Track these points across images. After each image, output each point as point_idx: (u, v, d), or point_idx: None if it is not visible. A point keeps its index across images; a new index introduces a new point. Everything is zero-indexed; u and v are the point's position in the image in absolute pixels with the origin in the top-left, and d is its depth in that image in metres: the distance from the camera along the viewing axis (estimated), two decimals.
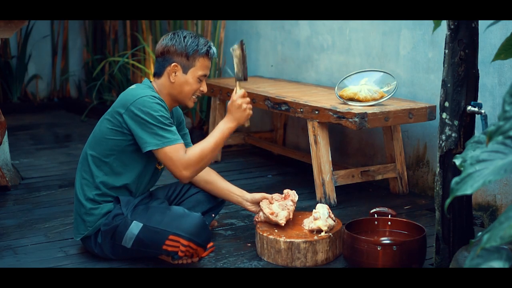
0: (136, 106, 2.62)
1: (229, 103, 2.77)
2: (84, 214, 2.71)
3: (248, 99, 2.77)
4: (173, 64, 2.73)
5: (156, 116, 2.61)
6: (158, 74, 2.78)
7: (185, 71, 2.74)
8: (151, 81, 2.80)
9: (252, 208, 2.94)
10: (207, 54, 2.76)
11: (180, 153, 2.62)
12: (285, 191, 2.93)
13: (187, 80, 2.74)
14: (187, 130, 2.99)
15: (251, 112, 2.77)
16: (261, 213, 2.86)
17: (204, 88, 2.80)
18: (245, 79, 2.79)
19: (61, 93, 6.88)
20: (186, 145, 2.92)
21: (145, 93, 2.66)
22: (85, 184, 2.72)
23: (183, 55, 2.72)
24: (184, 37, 2.74)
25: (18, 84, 6.51)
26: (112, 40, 6.52)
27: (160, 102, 2.65)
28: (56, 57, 6.76)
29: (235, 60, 2.79)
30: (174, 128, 2.66)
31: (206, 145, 2.68)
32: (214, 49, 2.80)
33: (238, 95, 2.75)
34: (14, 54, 6.54)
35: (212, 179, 2.98)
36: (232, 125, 2.74)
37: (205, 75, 2.78)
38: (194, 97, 2.80)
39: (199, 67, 2.75)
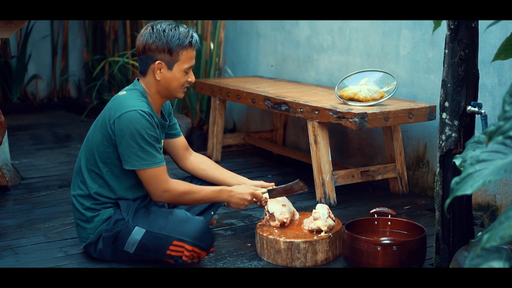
0: (123, 120, 2.56)
1: (245, 189, 2.78)
2: (85, 222, 2.68)
3: (252, 203, 2.80)
4: (156, 62, 2.63)
5: (142, 133, 2.56)
6: (143, 73, 2.69)
7: (170, 67, 2.65)
8: (138, 79, 2.74)
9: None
10: (191, 45, 2.65)
11: (160, 177, 2.61)
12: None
13: (174, 75, 2.66)
14: (176, 120, 2.95)
15: (243, 208, 2.81)
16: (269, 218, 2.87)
17: (191, 78, 2.71)
18: (270, 196, 2.85)
19: (61, 93, 6.88)
20: (177, 135, 2.93)
21: (135, 105, 2.58)
22: (80, 195, 2.69)
23: (166, 51, 2.62)
24: (164, 31, 2.61)
25: (18, 84, 6.51)
26: (112, 40, 6.52)
27: (149, 118, 2.58)
28: (56, 57, 6.76)
29: (286, 186, 2.85)
30: (157, 148, 2.62)
31: (195, 190, 2.69)
32: (196, 36, 2.69)
33: (255, 194, 2.79)
34: (14, 54, 6.54)
35: (208, 165, 2.97)
36: (225, 200, 2.77)
37: (191, 66, 2.69)
38: (183, 88, 2.73)
39: (184, 60, 2.65)
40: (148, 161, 2.59)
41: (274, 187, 2.89)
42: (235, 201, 2.77)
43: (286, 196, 2.91)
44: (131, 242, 2.60)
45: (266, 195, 2.85)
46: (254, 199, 2.80)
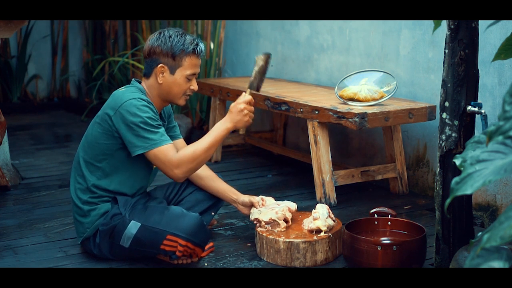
0: (124, 109, 2.60)
1: (232, 104, 2.72)
2: (82, 216, 2.71)
3: (252, 107, 2.72)
4: (159, 65, 2.68)
5: (144, 117, 2.58)
6: (146, 75, 2.75)
7: (172, 71, 2.69)
8: (140, 82, 2.78)
9: (243, 210, 2.94)
10: (194, 52, 2.70)
11: (169, 153, 2.60)
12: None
13: (175, 80, 2.70)
14: (176, 123, 2.98)
15: (250, 120, 2.72)
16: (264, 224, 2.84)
17: (194, 86, 2.75)
18: (257, 90, 2.76)
19: (61, 93, 6.88)
20: (176, 137, 2.93)
21: (133, 96, 2.63)
22: (79, 189, 2.72)
23: (169, 55, 2.68)
24: (170, 36, 2.69)
25: (18, 84, 6.51)
26: (112, 40, 6.52)
27: (148, 104, 2.63)
28: (56, 57, 6.76)
29: (256, 69, 2.74)
30: (162, 130, 2.63)
31: (199, 145, 2.64)
32: (201, 46, 2.73)
33: (243, 100, 2.70)
34: (14, 54, 6.54)
35: (206, 175, 2.96)
36: (229, 125, 2.69)
37: (194, 74, 2.73)
38: (184, 96, 2.76)
39: (187, 67, 2.70)
40: (156, 140, 2.59)
41: (250, 79, 2.77)
42: (238, 118, 2.69)
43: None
44: (126, 236, 2.62)
45: (248, 94, 2.73)
46: (246, 104, 2.69)
